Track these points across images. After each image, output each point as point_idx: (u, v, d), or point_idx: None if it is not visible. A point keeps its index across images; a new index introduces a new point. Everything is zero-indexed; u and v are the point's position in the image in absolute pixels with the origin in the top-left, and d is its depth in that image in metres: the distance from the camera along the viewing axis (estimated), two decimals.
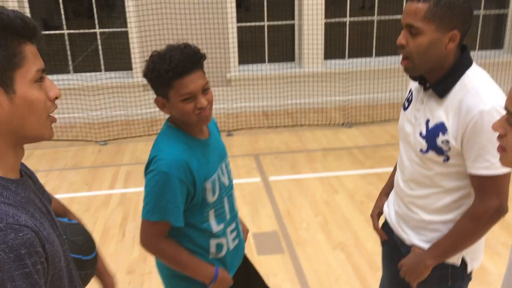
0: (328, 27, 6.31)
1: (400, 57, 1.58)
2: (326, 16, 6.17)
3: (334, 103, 6.28)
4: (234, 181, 4.59)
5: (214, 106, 6.14)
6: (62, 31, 5.90)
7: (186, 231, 1.70)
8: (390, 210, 1.89)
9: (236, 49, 6.12)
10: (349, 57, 6.43)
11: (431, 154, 1.58)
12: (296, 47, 6.40)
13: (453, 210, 1.64)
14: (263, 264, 3.22)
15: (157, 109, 6.02)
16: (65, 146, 5.36)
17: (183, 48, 1.55)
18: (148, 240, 1.64)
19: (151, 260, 3.28)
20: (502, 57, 6.39)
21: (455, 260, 1.68)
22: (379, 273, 3.04)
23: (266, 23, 6.23)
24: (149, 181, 1.58)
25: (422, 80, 1.63)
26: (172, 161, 1.55)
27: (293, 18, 6.31)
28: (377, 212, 1.97)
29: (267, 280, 3.06)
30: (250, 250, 3.37)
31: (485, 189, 1.52)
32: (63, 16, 5.83)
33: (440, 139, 1.55)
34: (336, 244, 3.43)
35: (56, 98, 1.05)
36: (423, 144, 1.59)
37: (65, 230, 1.36)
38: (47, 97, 1.03)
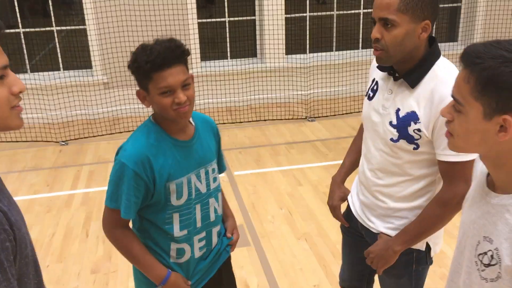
0: (288, 23, 6.37)
1: (372, 49, 1.62)
2: (286, 12, 6.23)
3: (297, 97, 6.35)
4: None
5: None
6: (17, 30, 5.74)
7: (148, 229, 1.69)
8: (354, 200, 1.91)
9: (198, 46, 6.09)
10: (310, 51, 6.51)
11: (402, 142, 1.61)
12: (258, 42, 6.43)
13: (419, 197, 1.69)
14: None
15: (119, 107, 5.94)
16: (24, 148, 5.23)
17: (167, 41, 1.53)
18: (106, 226, 1.68)
19: (116, 258, 3.25)
20: (457, 49, 6.62)
21: (420, 245, 1.73)
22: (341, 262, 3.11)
23: (227, 19, 6.24)
24: (112, 169, 1.60)
25: (391, 71, 1.65)
26: (133, 154, 1.56)
27: (254, 14, 6.34)
28: (340, 202, 1.96)
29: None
30: None
31: (454, 175, 1.57)
32: (18, 15, 5.67)
33: (412, 128, 1.58)
34: (301, 235, 3.49)
35: (20, 92, 1.09)
36: (394, 133, 1.62)
37: None
38: (10, 92, 1.07)
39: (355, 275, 2.08)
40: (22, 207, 3.97)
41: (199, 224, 1.73)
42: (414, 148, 1.60)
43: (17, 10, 5.63)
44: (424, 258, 1.77)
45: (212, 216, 1.76)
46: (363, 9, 6.46)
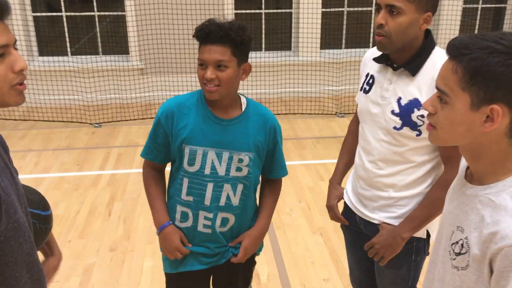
0: (325, 17, 6.32)
1: (375, 35, 1.66)
2: (324, 6, 6.19)
3: (328, 92, 6.31)
4: None
5: None
6: (60, 14, 5.95)
7: (172, 181, 1.83)
8: (350, 196, 1.93)
9: None
10: (345, 47, 6.44)
11: (405, 130, 1.65)
12: (293, 35, 6.42)
13: (421, 184, 1.72)
14: None
15: (152, 93, 6.08)
16: (60, 127, 5.44)
17: (228, 22, 1.60)
18: (143, 164, 1.87)
19: (134, 239, 3.36)
20: None
21: (422, 232, 1.76)
22: None
23: (263, 11, 6.26)
24: None
25: (388, 61, 1.70)
26: (165, 105, 1.75)
27: (291, 7, 6.32)
28: (337, 201, 1.99)
29: None
30: None
31: (456, 157, 1.57)
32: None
33: (416, 114, 1.63)
34: (316, 229, 3.49)
35: (22, 70, 1.12)
36: (397, 121, 1.66)
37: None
38: (10, 70, 1.10)
39: (364, 272, 2.08)
40: (52, 183, 4.15)
41: (207, 202, 1.75)
42: (417, 135, 1.64)
43: None
44: (423, 248, 1.79)
45: (222, 201, 1.76)
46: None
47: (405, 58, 1.65)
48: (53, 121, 5.55)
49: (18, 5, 5.70)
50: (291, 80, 6.30)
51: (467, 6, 6.52)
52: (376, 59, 1.74)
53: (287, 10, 6.37)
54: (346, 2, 6.27)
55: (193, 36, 1.65)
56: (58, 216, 3.65)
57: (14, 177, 1.22)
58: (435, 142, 1.15)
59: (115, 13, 6.23)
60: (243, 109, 1.74)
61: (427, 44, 1.64)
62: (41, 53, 6.14)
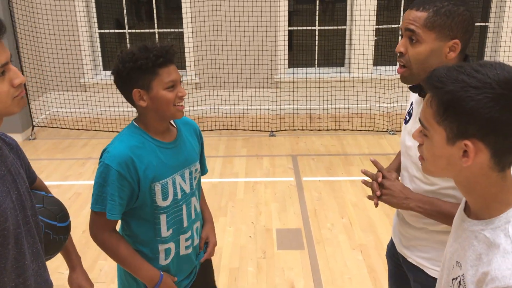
0: (378, 33, 6.29)
1: (398, 65, 1.56)
2: (378, 23, 6.16)
3: (379, 109, 6.24)
4: (268, 179, 4.73)
5: (259, 107, 6.31)
6: (123, 30, 6.32)
7: (136, 232, 1.72)
8: (394, 229, 1.84)
9: (286, 52, 6.25)
10: None
11: None
12: (347, 52, 6.43)
13: None
14: (281, 258, 3.33)
15: (206, 107, 6.28)
16: None
17: (160, 44, 1.63)
18: (93, 230, 1.69)
19: None
20: None
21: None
22: None
23: (317, 28, 6.32)
24: (97, 171, 1.65)
25: (422, 92, 1.57)
26: (116, 155, 1.58)
27: (345, 24, 6.35)
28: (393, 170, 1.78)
29: (282, 273, 3.18)
30: (271, 244, 3.50)
31: None
32: (125, 17, 6.25)
33: None
34: (356, 246, 3.47)
35: (21, 84, 1.18)
36: None
37: (42, 201, 1.53)
38: (11, 85, 1.17)
39: None
40: None
41: (185, 224, 1.77)
42: None
43: (124, 12, 6.21)
44: None
45: (193, 214, 1.81)
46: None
47: None
48: (113, 131, 5.87)
49: (84, 22, 6.12)
50: (343, 96, 6.30)
51: None
52: (411, 88, 1.60)
53: (341, 27, 6.40)
54: (400, 19, 6.21)
55: (144, 65, 1.58)
56: None
57: (18, 185, 1.28)
58: (426, 173, 1.12)
59: (173, 30, 6.52)
60: (174, 125, 1.78)
61: None
62: (105, 67, 6.53)
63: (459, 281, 1.07)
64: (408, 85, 1.61)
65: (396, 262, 1.86)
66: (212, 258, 2.09)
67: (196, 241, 1.87)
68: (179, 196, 1.73)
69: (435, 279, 1.60)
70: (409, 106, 1.71)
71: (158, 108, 1.63)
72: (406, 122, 1.69)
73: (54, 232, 1.51)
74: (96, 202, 1.64)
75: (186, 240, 1.80)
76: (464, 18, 1.42)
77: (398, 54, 1.53)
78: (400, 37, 1.56)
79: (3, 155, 1.27)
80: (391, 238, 1.91)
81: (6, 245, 1.21)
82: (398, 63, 1.54)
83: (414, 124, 1.61)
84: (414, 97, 1.68)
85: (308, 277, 3.14)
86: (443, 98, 0.99)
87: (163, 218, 1.70)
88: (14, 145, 1.39)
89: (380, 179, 1.61)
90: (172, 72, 1.62)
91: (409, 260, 1.71)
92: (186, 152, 1.76)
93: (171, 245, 1.76)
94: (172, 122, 1.79)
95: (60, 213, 1.55)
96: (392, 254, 1.87)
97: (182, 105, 1.67)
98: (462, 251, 1.09)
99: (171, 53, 1.61)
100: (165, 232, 1.72)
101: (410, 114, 1.68)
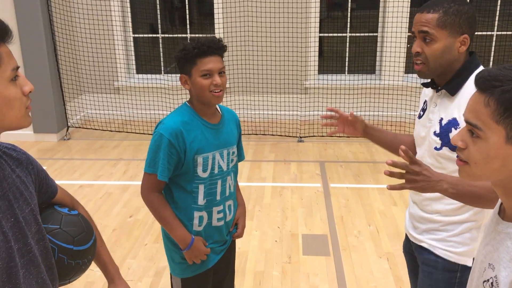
0: (411, 41, 6.22)
1: (414, 64, 1.69)
2: (410, 30, 6.09)
3: (410, 117, 6.17)
4: (295, 185, 4.74)
5: (288, 113, 6.33)
6: (157, 35, 6.45)
7: (177, 198, 1.95)
8: (406, 221, 1.95)
9: (316, 58, 6.26)
10: None
11: (445, 150, 1.66)
12: (378, 59, 6.39)
13: (469, 210, 1.69)
14: (306, 263, 3.33)
15: (236, 111, 6.33)
16: (149, 140, 5.82)
17: (211, 36, 1.88)
18: (144, 190, 1.95)
19: None
20: None
21: (465, 259, 1.71)
22: None
23: (348, 34, 6.31)
24: (151, 139, 1.91)
25: (433, 85, 1.74)
26: (169, 127, 1.85)
27: (376, 30, 6.31)
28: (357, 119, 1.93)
29: (307, 279, 3.18)
30: (297, 249, 3.50)
31: None
32: (159, 22, 6.38)
33: (453, 134, 1.62)
34: (383, 254, 3.44)
35: (30, 91, 1.13)
36: (437, 141, 1.68)
37: (60, 221, 1.40)
38: (22, 92, 1.12)
39: None
40: (137, 191, 4.48)
41: (218, 197, 2.00)
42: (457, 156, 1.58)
43: (158, 18, 6.34)
44: (466, 281, 1.71)
45: (227, 192, 2.04)
46: (496, 31, 6.07)
47: (446, 80, 1.68)
48: (143, 133, 5.99)
49: (119, 27, 6.28)
50: (373, 103, 6.26)
51: (480, 33, 6.10)
52: (424, 84, 1.79)
53: (372, 34, 6.37)
54: None
55: (187, 55, 1.83)
56: (138, 221, 3.95)
57: (16, 211, 1.18)
58: (468, 178, 1.12)
59: (205, 35, 6.62)
60: (219, 111, 2.01)
61: (468, 64, 1.65)
62: (138, 71, 6.67)
63: (491, 283, 1.06)
64: (421, 83, 1.79)
65: (413, 255, 1.95)
66: (237, 260, 2.18)
67: (229, 217, 2.08)
68: (216, 170, 1.95)
69: (443, 260, 1.74)
70: (422, 103, 1.85)
71: (197, 92, 1.87)
72: (420, 117, 1.84)
73: (70, 256, 1.38)
74: (149, 165, 1.89)
75: (218, 212, 2.02)
76: (469, 15, 1.61)
77: (414, 54, 1.67)
78: (414, 39, 1.69)
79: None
80: (405, 234, 1.99)
81: None
82: (414, 62, 1.68)
83: (427, 116, 1.76)
84: (427, 95, 1.81)
85: (333, 283, 3.13)
86: (504, 96, 1.01)
87: (201, 188, 1.93)
88: (23, 160, 1.27)
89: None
90: (209, 62, 1.83)
91: (421, 244, 1.81)
92: (226, 135, 1.99)
93: (204, 214, 1.98)
94: (218, 108, 2.02)
95: (79, 235, 1.42)
96: (408, 248, 1.97)
97: (218, 92, 1.85)
98: (495, 253, 1.08)
99: (211, 45, 1.83)
100: (201, 201, 1.95)
101: (423, 110, 1.83)
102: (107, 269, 1.62)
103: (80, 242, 1.42)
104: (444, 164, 1.68)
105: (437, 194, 1.71)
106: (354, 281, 3.16)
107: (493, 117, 1.02)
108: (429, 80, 1.75)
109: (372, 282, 3.14)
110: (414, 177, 1.52)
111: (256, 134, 5.92)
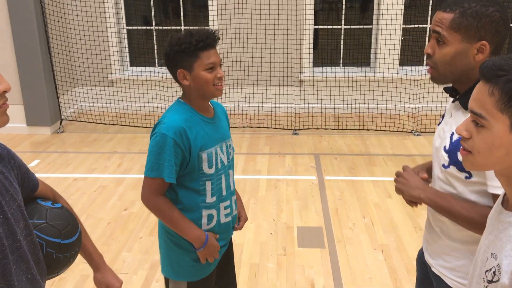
0: (405, 33, 6.22)
1: (427, 65, 1.56)
2: (405, 22, 6.10)
3: (404, 110, 6.18)
4: (290, 177, 4.75)
5: (283, 106, 6.32)
6: (150, 27, 6.41)
7: (182, 198, 1.87)
8: (424, 237, 1.81)
9: (311, 51, 6.25)
10: (425, 64, 6.28)
11: (452, 169, 1.50)
12: (372, 51, 6.39)
13: (478, 238, 1.49)
14: (301, 256, 3.34)
15: (231, 104, 6.32)
16: (143, 133, 5.83)
17: (204, 29, 1.83)
18: (147, 195, 1.83)
19: None
20: None
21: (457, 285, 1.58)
22: (414, 278, 3.04)
23: (343, 27, 6.30)
24: (152, 141, 1.81)
25: (453, 92, 1.56)
26: (171, 126, 1.78)
27: (371, 23, 6.31)
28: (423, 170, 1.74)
29: (302, 271, 3.19)
30: (292, 241, 3.51)
31: None
32: (153, 14, 6.33)
33: None
34: (377, 246, 3.46)
35: (5, 91, 1.11)
36: (445, 158, 1.52)
37: (46, 215, 1.40)
38: None
39: None
40: (132, 183, 4.47)
41: (224, 193, 1.96)
42: (466, 177, 1.46)
43: (152, 10, 6.29)
44: None
45: (232, 186, 2.02)
46: None
47: (463, 90, 1.51)
48: (138, 126, 5.96)
49: (113, 19, 6.23)
50: (367, 96, 6.26)
51: None
52: (444, 89, 1.60)
53: (367, 26, 6.36)
54: (429, 19, 6.14)
55: (188, 49, 1.76)
56: (133, 214, 3.94)
57: (4, 208, 1.17)
58: (471, 168, 1.12)
59: (197, 27, 6.58)
60: (211, 105, 1.98)
61: None
62: (132, 63, 6.63)
63: (493, 272, 1.07)
64: (440, 86, 1.62)
65: (425, 269, 1.82)
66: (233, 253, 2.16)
67: (235, 212, 2.06)
68: (219, 165, 1.91)
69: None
70: (446, 108, 1.70)
71: (199, 87, 1.81)
72: (439, 123, 1.68)
73: (58, 250, 1.40)
74: (151, 169, 1.79)
75: (225, 208, 1.98)
76: (492, 19, 1.40)
77: (426, 55, 1.53)
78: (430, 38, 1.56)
79: None
80: (422, 245, 1.86)
81: None
82: (426, 64, 1.55)
83: (443, 125, 1.61)
84: (449, 101, 1.66)
85: (328, 275, 3.15)
86: (508, 85, 1.01)
87: (208, 185, 1.88)
88: (5, 155, 1.25)
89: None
90: (212, 55, 1.79)
91: (433, 269, 1.68)
92: (222, 128, 1.97)
93: (213, 212, 1.93)
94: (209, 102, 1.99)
95: (65, 228, 1.43)
96: (422, 261, 1.83)
97: (221, 85, 1.84)
98: (498, 242, 1.09)
99: (211, 38, 1.79)
100: (209, 198, 1.90)
101: (443, 117, 1.66)
102: (92, 258, 1.65)
103: (67, 235, 1.43)
104: (452, 183, 1.51)
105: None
106: (349, 273, 3.17)
107: (497, 106, 1.03)
108: (450, 85, 1.57)
109: (367, 274, 3.16)
110: (396, 178, 1.63)
111: (251, 127, 5.91)
